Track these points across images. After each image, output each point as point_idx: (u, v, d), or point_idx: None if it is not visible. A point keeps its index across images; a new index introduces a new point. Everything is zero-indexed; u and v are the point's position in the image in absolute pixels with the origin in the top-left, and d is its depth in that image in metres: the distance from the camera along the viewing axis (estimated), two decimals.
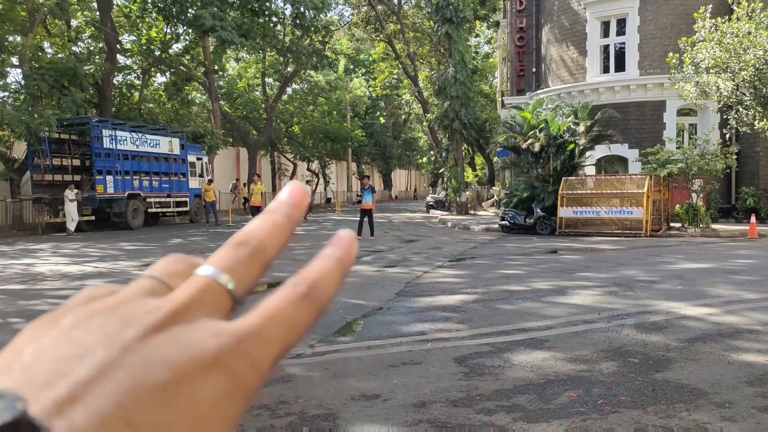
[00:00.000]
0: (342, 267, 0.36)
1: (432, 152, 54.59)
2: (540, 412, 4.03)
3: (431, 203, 35.91)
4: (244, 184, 35.57)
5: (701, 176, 19.37)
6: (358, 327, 6.76)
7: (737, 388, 4.44)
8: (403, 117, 68.08)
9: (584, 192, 19.08)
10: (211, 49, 32.02)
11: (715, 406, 4.07)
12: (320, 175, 49.69)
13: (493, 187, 33.53)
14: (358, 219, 18.19)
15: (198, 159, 29.10)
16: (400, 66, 45.68)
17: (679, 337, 5.92)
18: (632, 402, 4.18)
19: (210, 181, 27.14)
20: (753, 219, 17.82)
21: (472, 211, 31.11)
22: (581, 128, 19.96)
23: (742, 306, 7.36)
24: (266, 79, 43.70)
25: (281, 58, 40.26)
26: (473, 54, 44.43)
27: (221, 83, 39.97)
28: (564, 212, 18.99)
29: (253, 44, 30.62)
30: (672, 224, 19.70)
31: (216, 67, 34.89)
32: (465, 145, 33.48)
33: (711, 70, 17.90)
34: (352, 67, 54.63)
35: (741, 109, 18.61)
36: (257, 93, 43.67)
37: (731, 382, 4.56)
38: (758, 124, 18.31)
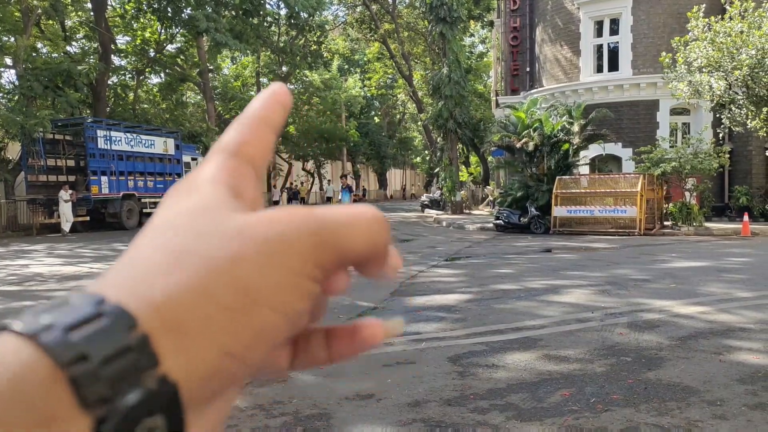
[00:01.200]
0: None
1: (427, 151, 54.60)
2: (533, 411, 4.06)
3: (426, 202, 35.96)
4: None
5: (694, 175, 19.44)
6: None
7: (729, 386, 4.48)
8: (398, 116, 68.06)
9: (578, 191, 19.14)
10: (206, 49, 32.00)
11: (707, 404, 4.11)
12: (315, 175, 49.70)
13: (488, 187, 33.59)
14: None
15: (193, 159, 29.06)
16: (395, 65, 45.70)
17: (671, 336, 5.96)
18: (625, 400, 4.22)
19: None
20: (746, 217, 17.90)
21: (467, 211, 31.16)
22: (575, 127, 20.03)
23: (735, 304, 7.41)
24: (261, 79, 43.69)
25: (277, 58, 40.27)
26: (467, 53, 44.51)
27: (216, 83, 39.94)
28: (558, 211, 19.05)
29: (247, 45, 30.58)
30: (665, 223, 19.77)
31: (210, 67, 34.87)
32: (459, 145, 33.48)
33: (704, 70, 17.98)
34: (347, 67, 54.62)
35: (734, 108, 18.70)
36: (252, 93, 43.65)
37: (723, 381, 4.60)
38: (750, 123, 18.40)
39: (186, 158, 28.29)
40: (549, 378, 4.75)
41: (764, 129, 18.59)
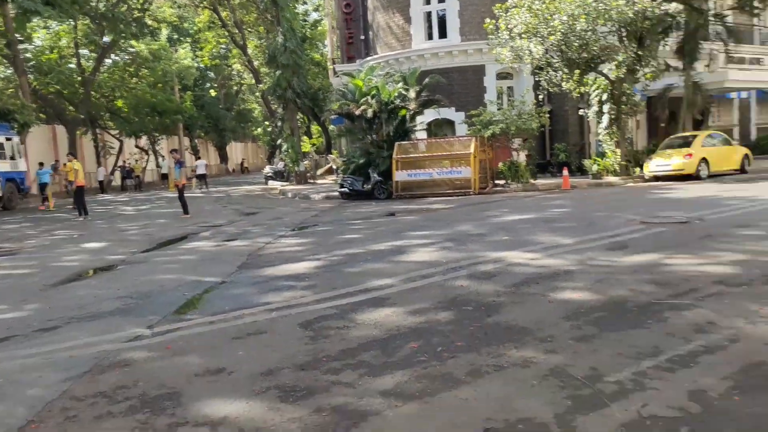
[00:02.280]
0: None
1: (267, 123, 53.62)
2: (384, 365, 4.18)
3: (270, 174, 35.41)
4: (65, 164, 32.72)
5: (520, 135, 20.81)
6: (200, 303, 6.57)
7: (557, 323, 4.90)
8: (235, 88, 66.03)
9: (417, 155, 19.81)
10: (11, 17, 28.80)
11: (539, 342, 4.47)
12: (150, 152, 47.01)
13: (330, 155, 33.74)
14: (178, 197, 17.67)
15: (7, 139, 26.25)
16: (228, 35, 44.12)
17: (506, 283, 6.40)
18: (468, 346, 4.47)
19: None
20: (565, 172, 19.56)
21: (311, 180, 31.15)
22: (411, 94, 20.59)
23: (560, 250, 8.10)
24: (81, 50, 40.19)
25: (97, 27, 37.20)
26: (302, 21, 43.96)
27: (28, 55, 36.18)
28: (399, 176, 19.61)
29: (61, 12, 27.90)
30: (497, 181, 21.05)
31: (20, 38, 31.50)
32: (300, 115, 33.27)
33: (523, 36, 19.17)
34: (176, 36, 51.77)
35: (550, 71, 20.19)
36: (72, 65, 40.07)
37: (552, 319, 5.02)
38: (565, 85, 19.99)
39: None
40: (398, 333, 4.92)
41: (577, 90, 20.29)
